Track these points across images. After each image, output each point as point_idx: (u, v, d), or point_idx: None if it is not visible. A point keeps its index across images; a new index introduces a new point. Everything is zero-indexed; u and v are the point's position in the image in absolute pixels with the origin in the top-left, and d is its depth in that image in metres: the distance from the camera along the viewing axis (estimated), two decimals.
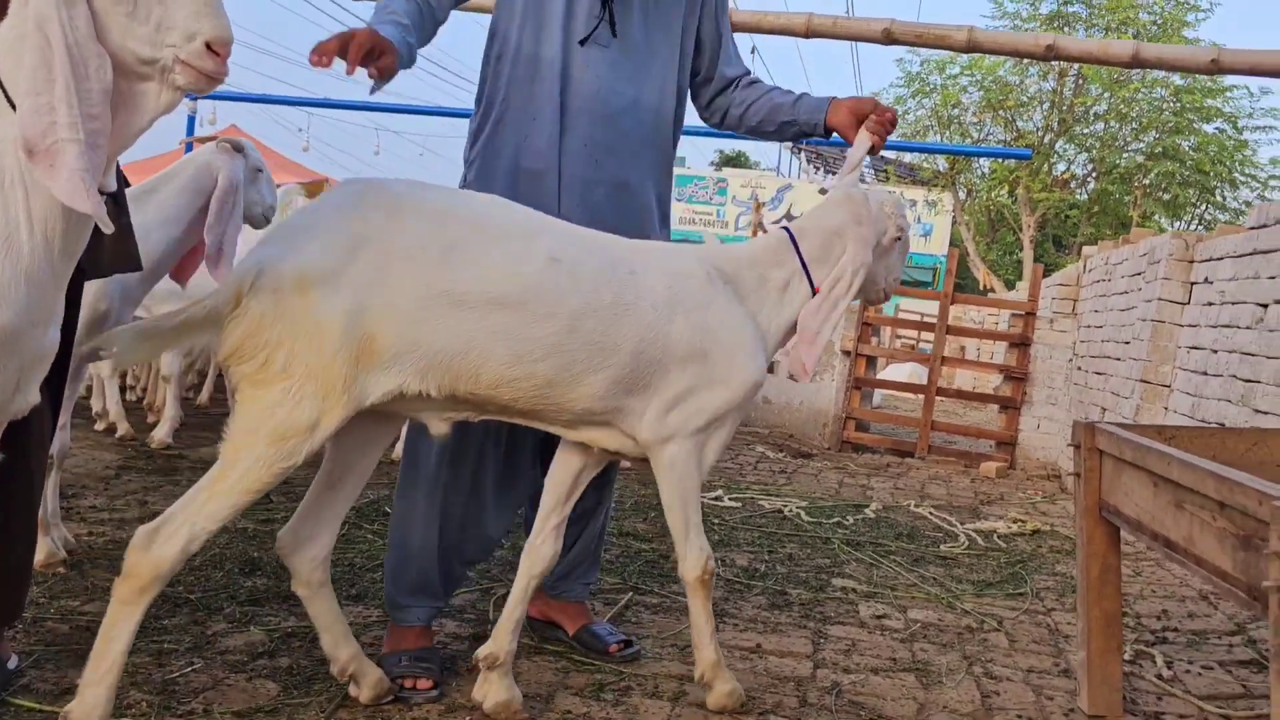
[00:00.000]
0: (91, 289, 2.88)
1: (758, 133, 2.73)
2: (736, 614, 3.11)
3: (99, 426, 5.28)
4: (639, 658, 2.65)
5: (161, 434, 4.95)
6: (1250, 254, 4.32)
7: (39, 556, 2.92)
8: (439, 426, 2.09)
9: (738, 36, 5.22)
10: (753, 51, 7.06)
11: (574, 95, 2.44)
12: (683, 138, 2.77)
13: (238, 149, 3.21)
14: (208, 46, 1.56)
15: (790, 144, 10.04)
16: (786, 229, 2.44)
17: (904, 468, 6.79)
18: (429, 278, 1.93)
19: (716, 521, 4.38)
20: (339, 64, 2.06)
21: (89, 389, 5.65)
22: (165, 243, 2.96)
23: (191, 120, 10.63)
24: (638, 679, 2.52)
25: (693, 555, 2.31)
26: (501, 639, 2.23)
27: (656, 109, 2.54)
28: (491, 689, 2.21)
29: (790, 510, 4.72)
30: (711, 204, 26.55)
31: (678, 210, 25.27)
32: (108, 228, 1.59)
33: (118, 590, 1.89)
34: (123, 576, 1.88)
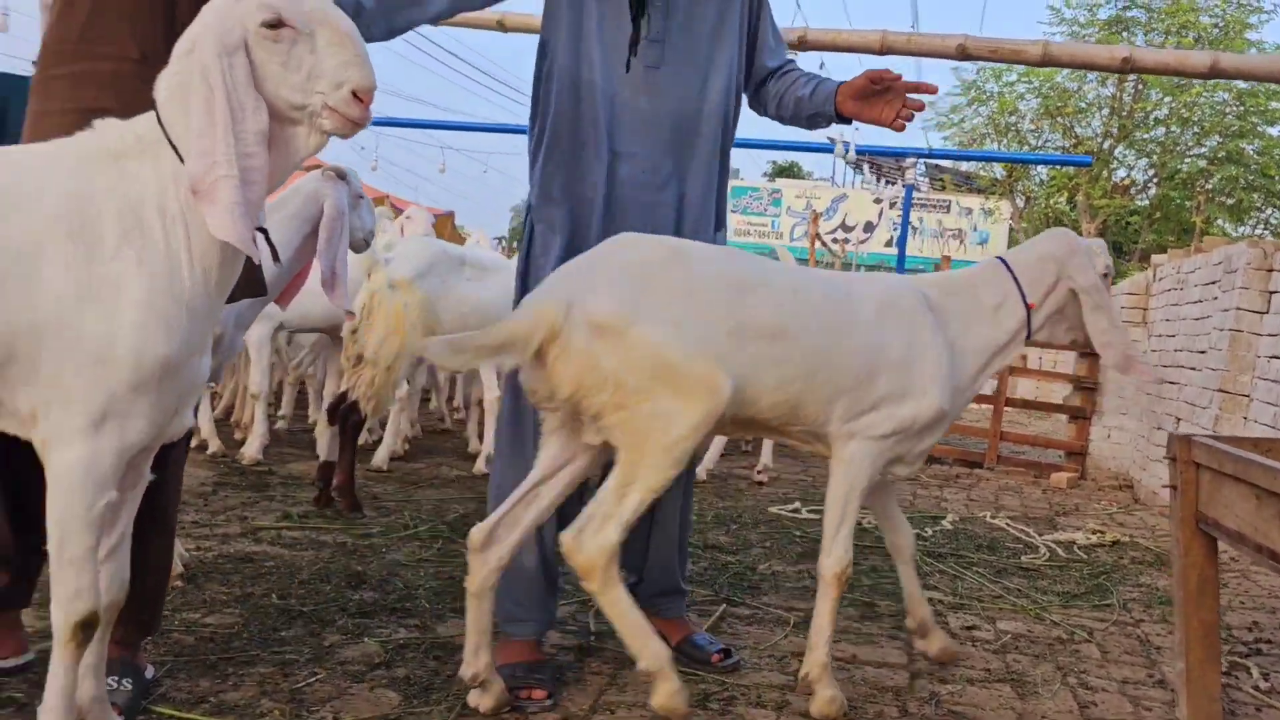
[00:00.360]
0: None
1: (796, 123, 2.77)
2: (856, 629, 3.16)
3: (191, 443, 5.46)
4: (739, 668, 2.71)
5: (251, 450, 5.11)
6: None
7: None
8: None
9: (810, 55, 5.29)
10: (821, 67, 7.07)
11: (626, 119, 2.48)
12: (736, 150, 2.82)
13: (341, 176, 3.33)
14: (354, 94, 1.69)
15: (844, 154, 9.96)
16: (1000, 258, 2.64)
17: (974, 479, 6.77)
18: (725, 313, 2.17)
19: (798, 534, 4.43)
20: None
21: None
22: (276, 269, 3.08)
23: None
24: (740, 689, 2.58)
25: (838, 551, 2.45)
26: None
27: (714, 115, 2.57)
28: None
29: (868, 522, 4.74)
30: (766, 215, 26.57)
31: (732, 221, 25.34)
32: (257, 259, 1.71)
33: (595, 588, 2.13)
34: (587, 574, 2.11)
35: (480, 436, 5.95)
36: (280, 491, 4.55)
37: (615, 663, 2.70)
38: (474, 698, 2.32)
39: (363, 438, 4.95)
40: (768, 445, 5.97)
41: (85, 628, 1.75)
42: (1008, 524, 4.98)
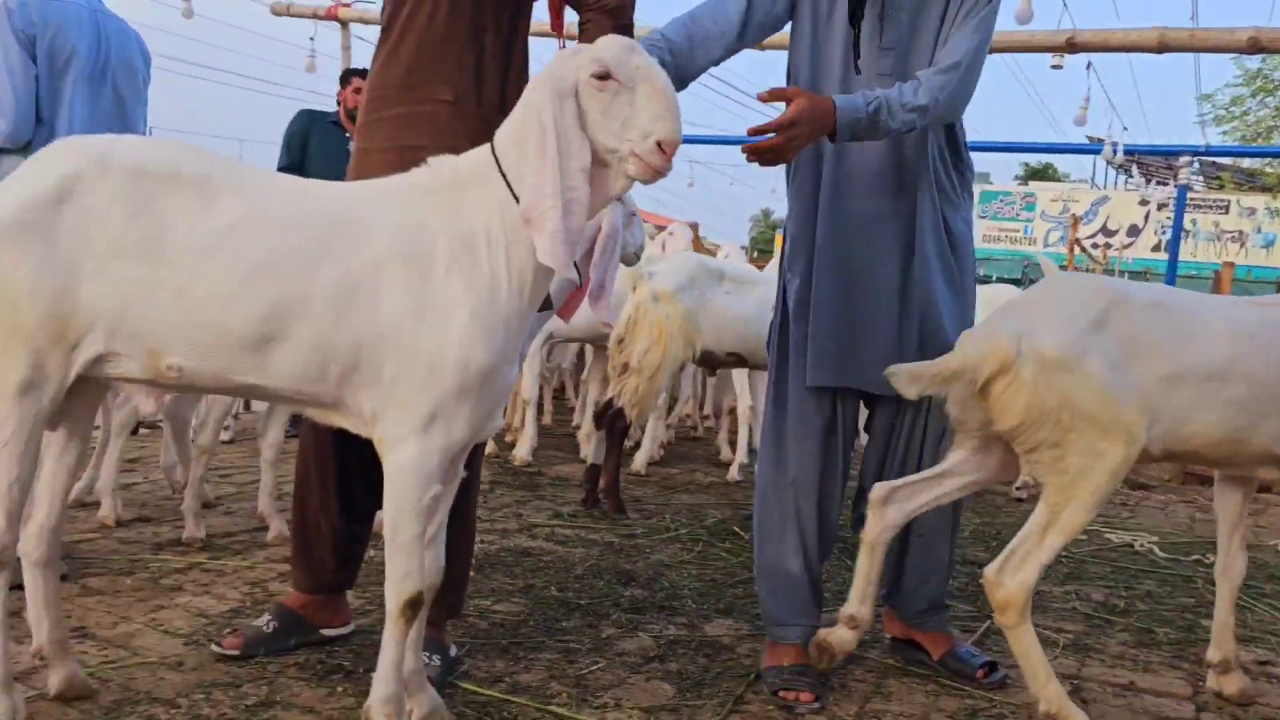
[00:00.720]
0: None
1: None
2: (1102, 649, 3.05)
3: None
4: (1005, 684, 2.66)
5: (522, 453, 5.46)
6: None
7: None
8: None
9: (1078, 58, 5.08)
10: (1089, 67, 6.76)
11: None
12: (984, 153, 2.78)
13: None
14: (659, 145, 1.86)
15: (1112, 157, 9.32)
16: None
17: (1262, 504, 6.23)
18: (1162, 361, 2.30)
19: (1063, 554, 4.25)
20: None
21: None
22: (559, 283, 3.32)
23: None
24: (1010, 707, 2.54)
25: None
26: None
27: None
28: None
29: (1141, 545, 4.51)
30: (1018, 220, 25.38)
31: (982, 227, 24.36)
32: (576, 281, 1.89)
33: (1005, 620, 2.30)
34: (1001, 609, 2.30)
35: (732, 445, 6.08)
36: (549, 491, 4.85)
37: (879, 671, 2.73)
38: (827, 635, 2.53)
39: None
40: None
41: (413, 606, 1.98)
42: None
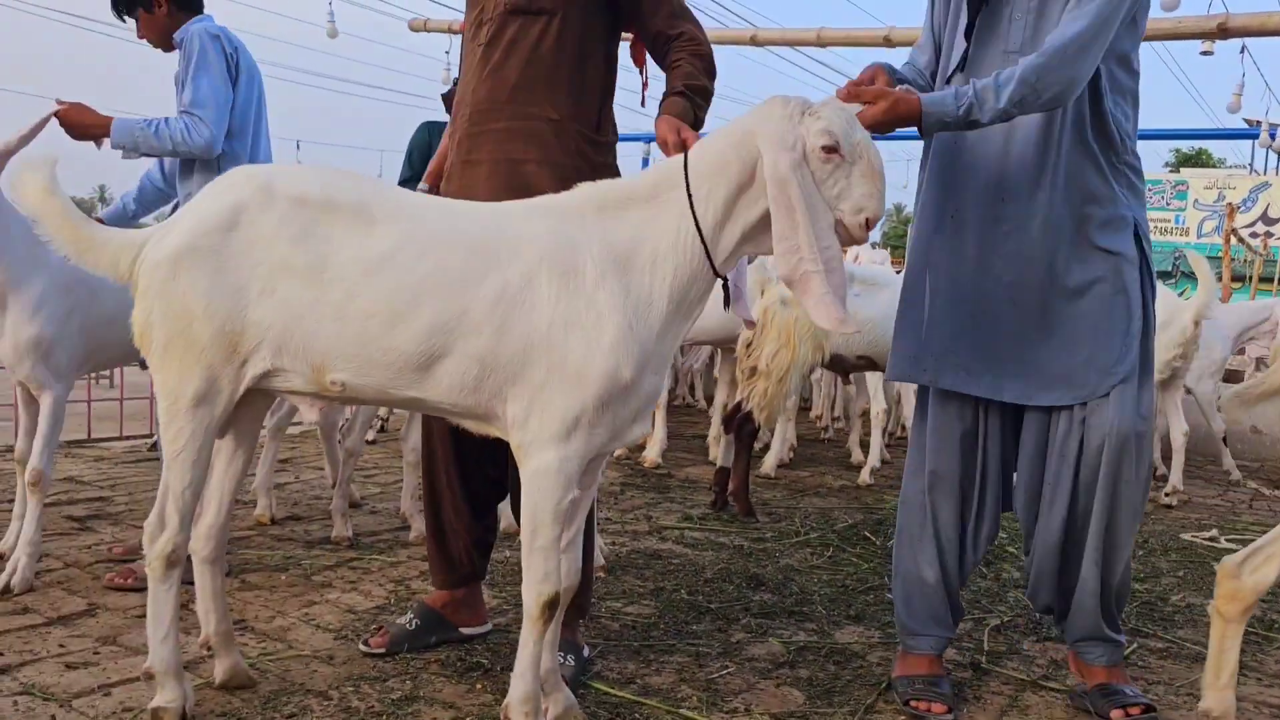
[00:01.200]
0: None
1: None
2: (1258, 667, 2.91)
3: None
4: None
5: (652, 455, 5.53)
6: None
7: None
8: None
9: (1230, 43, 4.83)
10: (1243, 51, 6.35)
11: (980, 143, 2.46)
12: (1140, 141, 2.60)
13: None
14: (866, 221, 1.99)
15: (1270, 142, 8.66)
16: None
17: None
18: None
19: (1214, 564, 4.06)
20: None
21: None
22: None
23: (645, 163, 11.56)
24: None
25: None
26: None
27: (1070, 119, 2.41)
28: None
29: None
30: (1169, 209, 24.16)
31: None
32: (850, 330, 1.99)
33: (1224, 610, 2.19)
34: (1225, 599, 2.19)
35: (864, 448, 6.01)
36: (679, 494, 4.90)
37: (1014, 685, 2.67)
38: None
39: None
40: (1178, 466, 5.50)
41: (551, 606, 2.04)
42: None
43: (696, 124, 2.42)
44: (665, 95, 2.46)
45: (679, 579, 3.42)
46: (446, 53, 7.23)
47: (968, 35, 2.47)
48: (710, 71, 2.52)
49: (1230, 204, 15.73)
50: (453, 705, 2.34)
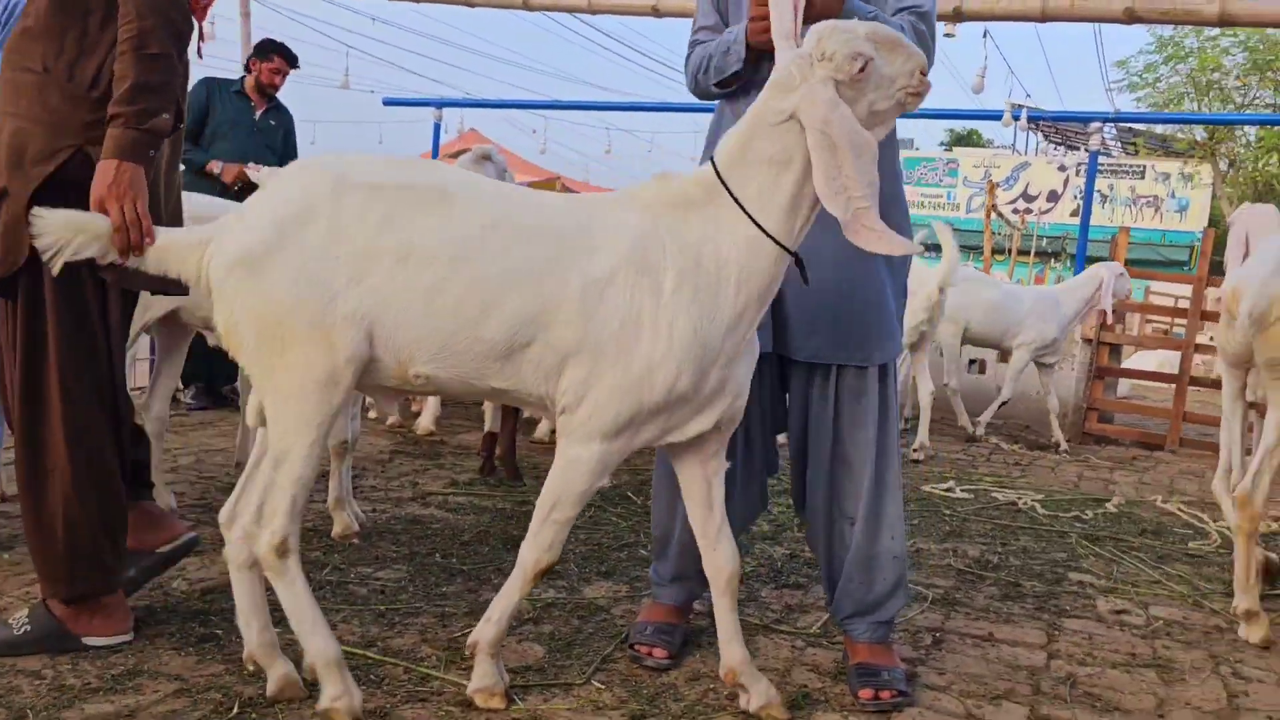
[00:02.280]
0: None
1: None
2: (968, 603, 3.17)
3: (371, 415, 5.88)
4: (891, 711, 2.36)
5: (425, 422, 5.46)
6: None
7: (336, 529, 3.37)
8: None
9: (970, 25, 5.18)
10: (985, 35, 6.89)
11: None
12: (910, 120, 2.77)
13: (485, 157, 3.59)
14: (921, 75, 2.04)
15: (1011, 122, 9.26)
16: None
17: (1151, 461, 6.48)
18: None
19: (948, 513, 4.40)
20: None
21: None
22: None
23: (437, 127, 11.33)
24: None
25: None
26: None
27: None
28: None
29: (1025, 503, 4.67)
30: (941, 186, 25.76)
31: (906, 193, 24.59)
32: (916, 249, 2.04)
33: (1245, 528, 3.07)
34: (1247, 520, 3.04)
35: None
36: (450, 460, 4.86)
37: (748, 629, 2.78)
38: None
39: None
40: (924, 423, 5.90)
41: (543, 574, 2.18)
42: (1180, 509, 4.78)
43: (153, 143, 2.20)
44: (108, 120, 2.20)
45: (435, 543, 3.41)
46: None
47: None
48: (152, 69, 2.18)
49: (991, 181, 16.93)
50: (179, 677, 2.25)
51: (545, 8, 6.09)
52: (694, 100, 2.80)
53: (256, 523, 2.07)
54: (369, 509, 3.80)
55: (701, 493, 2.27)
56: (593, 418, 2.01)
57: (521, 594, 2.18)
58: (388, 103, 11.55)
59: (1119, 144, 24.95)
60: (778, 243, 2.03)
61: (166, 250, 2.04)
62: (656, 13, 5.78)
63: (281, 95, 5.89)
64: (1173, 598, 3.38)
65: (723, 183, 2.04)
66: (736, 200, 2.03)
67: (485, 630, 2.20)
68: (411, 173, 2.04)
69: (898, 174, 2.53)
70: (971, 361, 8.15)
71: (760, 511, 2.76)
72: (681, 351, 1.98)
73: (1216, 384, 7.99)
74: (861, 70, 1.95)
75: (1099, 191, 23.97)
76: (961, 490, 4.86)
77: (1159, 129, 22.45)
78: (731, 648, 2.28)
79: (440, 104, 11.13)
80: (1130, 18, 4.24)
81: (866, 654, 2.46)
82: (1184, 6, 4.17)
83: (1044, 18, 4.41)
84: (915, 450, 5.75)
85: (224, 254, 1.97)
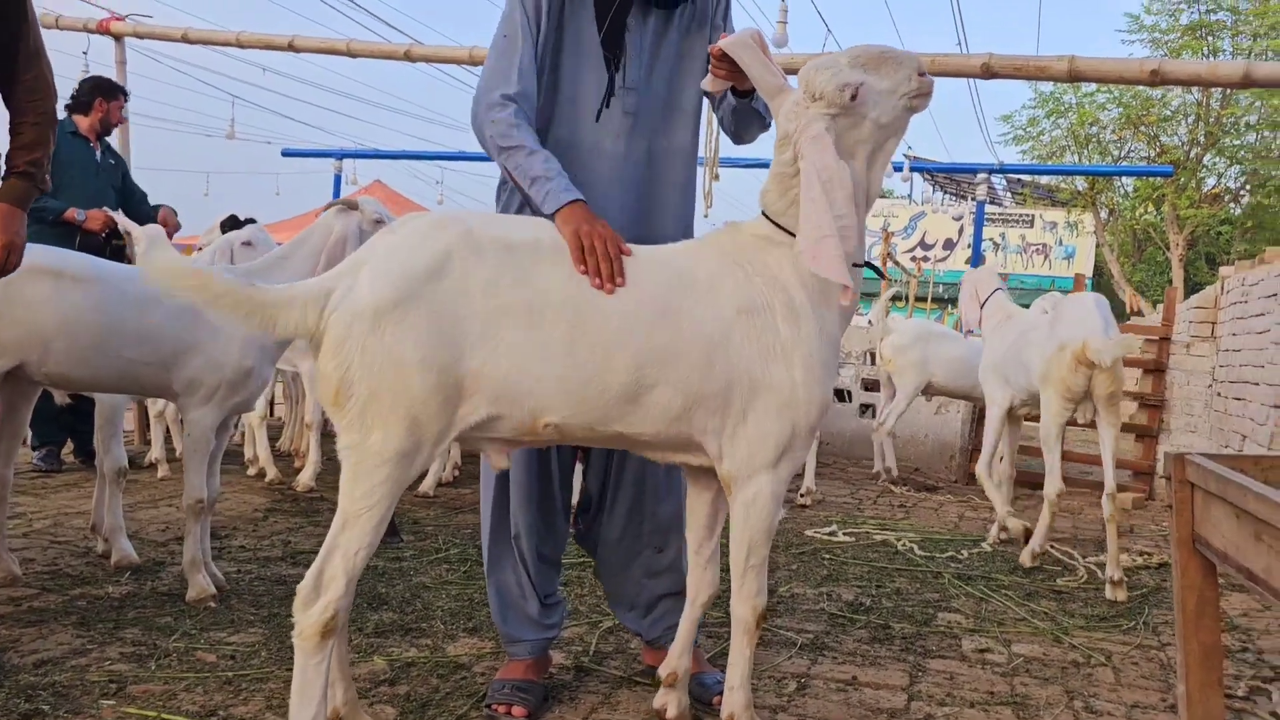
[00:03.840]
0: (236, 349, 3.21)
1: (738, 134, 2.65)
2: (837, 647, 3.18)
3: (250, 472, 5.71)
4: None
5: (305, 478, 5.32)
6: None
7: (191, 593, 3.24)
8: None
9: None
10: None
11: (599, 165, 2.49)
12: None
13: (352, 206, 3.55)
14: (920, 76, 2.14)
15: (924, 172, 9.54)
16: None
17: (1033, 500, 6.62)
18: None
19: (827, 557, 4.43)
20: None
21: (242, 436, 6.12)
22: None
23: (338, 179, 11.23)
24: None
25: None
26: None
27: (681, 152, 2.60)
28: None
29: (903, 544, 4.73)
30: None
31: None
32: (853, 289, 2.10)
33: None
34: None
35: None
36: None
37: (611, 682, 2.77)
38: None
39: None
40: (811, 467, 5.96)
41: (764, 618, 2.26)
42: (1052, 546, 4.90)
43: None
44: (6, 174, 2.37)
45: None
46: (85, 53, 6.66)
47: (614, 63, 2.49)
48: (53, 140, 2.49)
49: (887, 230, 17.38)
50: None
51: (426, 59, 6.10)
52: None
53: (315, 589, 1.99)
54: (233, 569, 3.67)
55: (709, 515, 2.39)
56: (754, 453, 2.11)
57: (751, 649, 2.25)
58: (286, 154, 11.46)
59: (1009, 194, 25.93)
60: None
61: (282, 304, 1.93)
62: (472, 60, 5.93)
63: (166, 143, 5.74)
64: (1035, 634, 3.45)
65: (778, 225, 2.19)
66: (793, 236, 2.15)
67: (733, 699, 2.26)
68: (535, 230, 2.11)
69: None
70: (864, 407, 8.28)
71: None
72: (812, 371, 2.12)
73: (1094, 423, 8.28)
74: (854, 97, 2.08)
75: (992, 240, 24.88)
76: (844, 533, 4.91)
77: (1044, 180, 23.40)
78: (682, 659, 2.43)
79: (340, 155, 11.08)
80: (987, 73, 4.42)
81: (697, 665, 2.65)
82: (1036, 63, 4.37)
83: None
84: (802, 495, 5.80)
85: (351, 305, 1.92)
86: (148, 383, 3.23)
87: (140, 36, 6.64)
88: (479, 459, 2.58)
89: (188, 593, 3.26)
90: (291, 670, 2.67)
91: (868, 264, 2.30)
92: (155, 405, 5.70)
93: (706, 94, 2.53)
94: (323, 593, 1.98)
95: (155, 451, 5.66)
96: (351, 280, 1.96)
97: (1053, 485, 4.52)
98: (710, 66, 2.30)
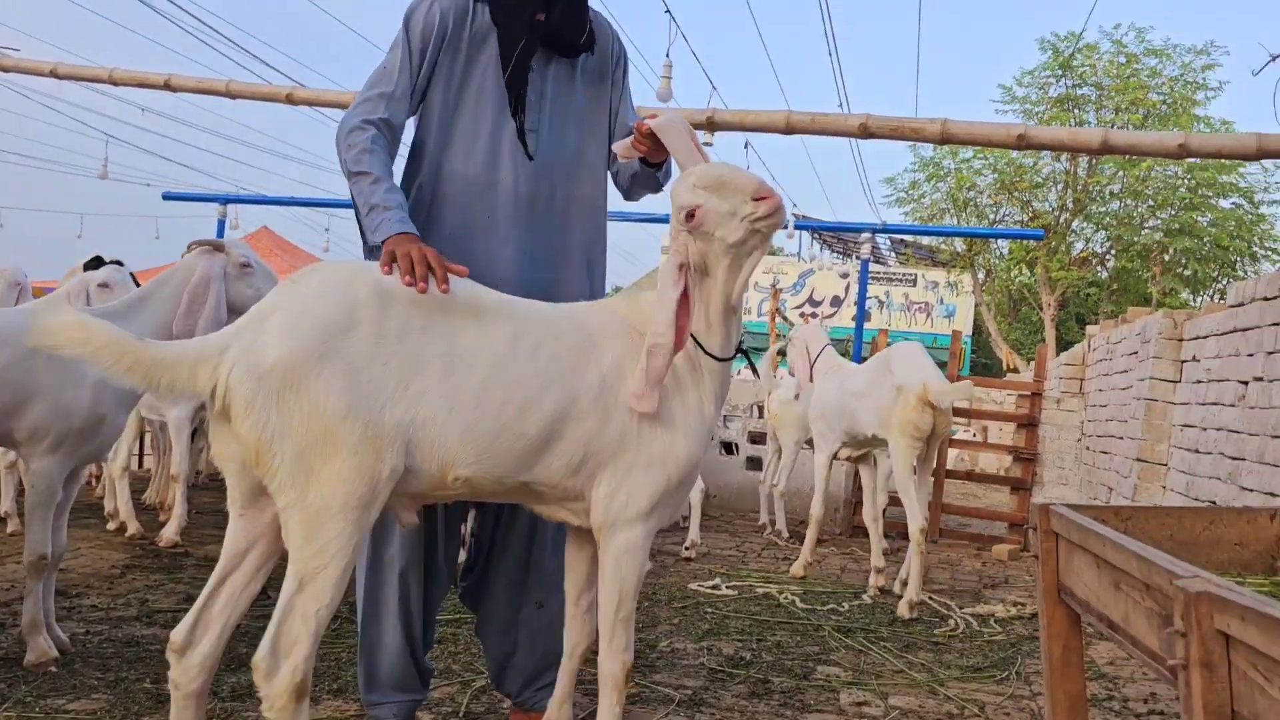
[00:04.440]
0: (87, 396, 3.04)
1: (631, 191, 2.71)
2: (715, 703, 3.13)
3: (111, 526, 5.41)
4: None
5: (169, 532, 5.06)
6: (1231, 332, 4.37)
7: (30, 656, 3.02)
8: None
9: (726, 136, 5.44)
10: (745, 147, 7.31)
11: (506, 207, 2.49)
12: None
13: (217, 248, 3.43)
14: (757, 200, 2.13)
15: (811, 230, 9.82)
16: None
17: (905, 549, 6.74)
18: None
19: (710, 610, 4.40)
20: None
21: (104, 488, 5.80)
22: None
23: (221, 223, 10.93)
24: None
25: None
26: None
27: (585, 198, 2.61)
28: None
29: (785, 597, 4.73)
30: None
31: None
32: (644, 406, 2.16)
33: None
34: None
35: None
36: (191, 574, 4.50)
37: None
38: None
39: None
40: (696, 520, 5.94)
41: (630, 674, 2.24)
42: (930, 598, 4.96)
43: None
44: None
45: (149, 667, 3.10)
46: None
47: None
48: None
49: (775, 287, 17.72)
50: None
51: (309, 102, 6.00)
52: None
53: (273, 655, 1.90)
54: (81, 631, 3.44)
55: (589, 564, 2.36)
56: (629, 503, 2.14)
57: (621, 705, 2.22)
58: (167, 197, 11.08)
59: (893, 254, 26.76)
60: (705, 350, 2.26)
61: (169, 362, 1.84)
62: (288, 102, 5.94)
63: (39, 183, 5.50)
64: (913, 686, 3.46)
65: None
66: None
67: None
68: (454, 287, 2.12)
69: None
70: (751, 460, 8.33)
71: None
72: (689, 427, 2.19)
73: (970, 476, 8.51)
74: (690, 217, 2.13)
75: (877, 297, 25.57)
76: (727, 587, 4.89)
77: (925, 241, 24.25)
78: (562, 709, 2.45)
79: (224, 200, 10.80)
80: (864, 133, 4.55)
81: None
82: (911, 125, 4.52)
83: (789, 130, 4.69)
84: (686, 548, 5.77)
85: (259, 362, 1.85)
86: None
87: (5, 70, 6.36)
88: None
89: (26, 656, 3.03)
90: None
91: (740, 351, 2.34)
92: (7, 456, 5.36)
93: (612, 154, 2.57)
94: (284, 657, 1.93)
95: (5, 504, 5.32)
96: (253, 337, 1.90)
97: (914, 523, 4.66)
98: (633, 140, 2.35)
